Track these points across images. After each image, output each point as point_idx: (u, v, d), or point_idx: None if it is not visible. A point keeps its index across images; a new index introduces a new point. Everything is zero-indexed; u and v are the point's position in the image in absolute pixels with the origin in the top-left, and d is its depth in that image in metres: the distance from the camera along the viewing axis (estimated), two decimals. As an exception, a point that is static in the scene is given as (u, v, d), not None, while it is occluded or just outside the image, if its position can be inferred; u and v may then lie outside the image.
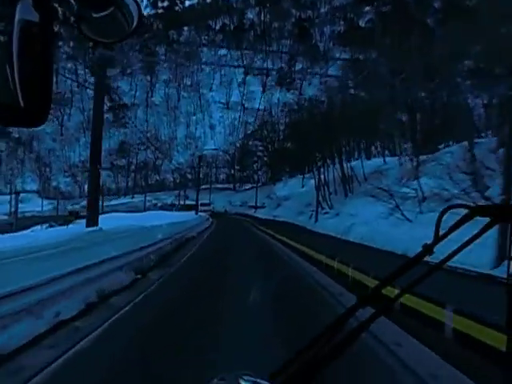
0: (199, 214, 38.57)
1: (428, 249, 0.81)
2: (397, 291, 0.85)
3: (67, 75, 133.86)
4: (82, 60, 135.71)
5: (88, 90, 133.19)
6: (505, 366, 0.82)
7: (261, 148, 75.79)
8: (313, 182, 50.17)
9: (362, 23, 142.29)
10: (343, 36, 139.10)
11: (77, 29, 0.82)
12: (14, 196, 64.55)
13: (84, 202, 75.42)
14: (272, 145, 74.15)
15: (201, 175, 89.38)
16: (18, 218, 52.51)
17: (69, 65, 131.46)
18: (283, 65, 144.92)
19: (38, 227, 36.80)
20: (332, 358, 0.79)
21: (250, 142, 79.88)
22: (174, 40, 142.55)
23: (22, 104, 0.65)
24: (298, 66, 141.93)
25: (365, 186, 34.67)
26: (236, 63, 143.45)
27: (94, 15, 0.87)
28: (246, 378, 0.69)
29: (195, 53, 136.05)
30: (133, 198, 74.65)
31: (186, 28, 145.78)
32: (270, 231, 25.35)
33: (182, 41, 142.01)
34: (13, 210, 67.70)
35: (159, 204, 63.02)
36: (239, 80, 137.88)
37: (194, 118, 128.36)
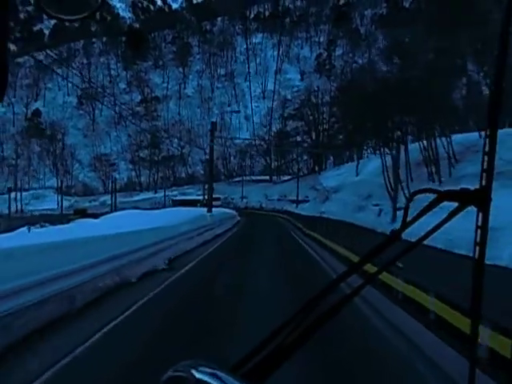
0: (223, 210, 26.86)
1: (395, 235, 0.77)
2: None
3: (100, 69, 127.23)
4: (114, 54, 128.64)
5: (119, 84, 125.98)
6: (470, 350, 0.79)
7: (302, 129, 63.15)
8: (371, 167, 37.29)
9: (406, 4, 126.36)
10: (386, 18, 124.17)
11: (36, 5, 0.76)
12: (18, 193, 55.80)
13: (103, 198, 65.66)
14: (315, 126, 61.51)
15: (235, 167, 79.45)
16: (15, 217, 43.40)
17: (101, 59, 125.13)
18: (322, 51, 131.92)
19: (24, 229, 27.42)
20: (300, 345, 0.74)
21: (288, 128, 67.52)
22: (208, 30, 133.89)
23: None
24: (338, 52, 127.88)
25: (463, 168, 22.07)
26: (271, 51, 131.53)
27: None
28: (201, 368, 0.63)
29: (229, 42, 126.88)
30: (156, 192, 64.04)
31: (219, 19, 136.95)
32: (327, 242, 14.14)
33: (215, 31, 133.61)
34: (22, 207, 59.77)
35: (177, 198, 51.92)
36: (275, 68, 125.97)
37: (229, 108, 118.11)
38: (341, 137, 46.08)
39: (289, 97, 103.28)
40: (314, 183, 47.06)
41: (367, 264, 0.82)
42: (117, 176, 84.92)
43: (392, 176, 22.36)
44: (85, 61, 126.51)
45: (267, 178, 66.69)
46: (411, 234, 0.79)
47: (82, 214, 42.95)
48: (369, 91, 31.09)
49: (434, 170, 25.47)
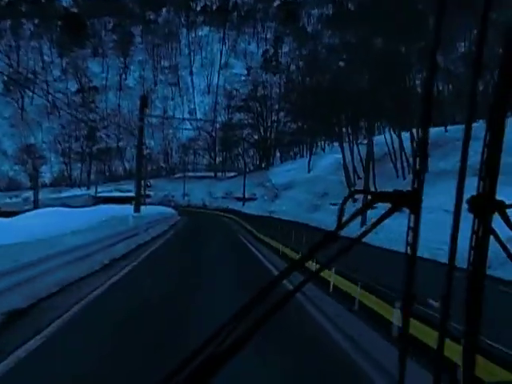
0: (159, 208, 22.04)
1: (332, 235, 0.76)
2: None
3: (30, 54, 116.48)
4: (47, 39, 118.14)
5: (53, 71, 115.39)
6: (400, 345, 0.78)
7: (249, 122, 58.86)
8: (325, 163, 33.81)
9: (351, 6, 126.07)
10: (332, 19, 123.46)
11: None
12: None
13: (27, 194, 57.71)
14: (263, 119, 57.47)
15: (177, 163, 73.72)
16: None
17: (32, 43, 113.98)
18: (268, 47, 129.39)
19: None
20: (236, 350, 0.70)
21: (234, 120, 63.00)
22: (151, 20, 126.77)
23: None
24: (285, 49, 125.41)
25: (442, 163, 19.17)
26: (217, 45, 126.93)
27: None
28: None
29: (174, 33, 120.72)
30: (88, 188, 57.16)
31: (164, 9, 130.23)
32: (287, 250, 11.25)
33: (159, 22, 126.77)
34: None
35: (102, 195, 46.10)
36: (221, 62, 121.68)
37: (172, 102, 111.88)
38: (291, 129, 42.53)
39: (234, 92, 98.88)
40: (262, 180, 43.07)
41: (306, 262, 0.81)
42: (46, 170, 76.26)
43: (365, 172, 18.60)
44: (13, 43, 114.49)
45: (212, 174, 61.76)
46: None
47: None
48: (322, 83, 28.11)
49: (398, 165, 22.12)
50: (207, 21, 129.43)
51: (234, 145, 59.77)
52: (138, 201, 17.16)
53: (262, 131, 59.15)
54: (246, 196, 43.61)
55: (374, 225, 0.75)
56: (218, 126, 60.76)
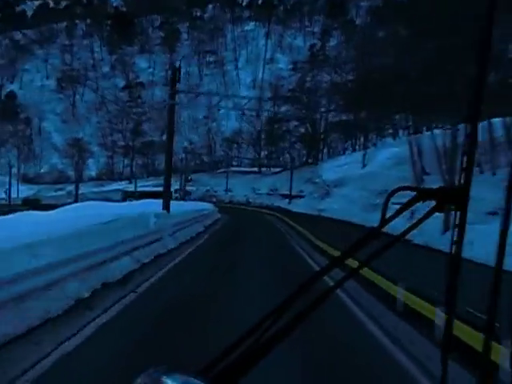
0: (198, 205, 19.08)
1: (374, 232, 0.76)
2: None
3: (82, 52, 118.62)
4: (98, 37, 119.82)
5: (102, 68, 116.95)
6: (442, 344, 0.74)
7: (294, 114, 54.88)
8: (382, 157, 29.66)
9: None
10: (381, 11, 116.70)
11: None
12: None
13: (71, 188, 57.09)
14: (311, 111, 53.41)
15: (220, 157, 71.27)
16: None
17: (84, 42, 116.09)
18: (316, 41, 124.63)
19: None
20: (274, 344, 0.69)
21: (281, 114, 59.53)
22: (198, 17, 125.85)
23: None
24: (333, 43, 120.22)
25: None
26: (263, 40, 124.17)
27: None
28: (171, 375, 0.60)
29: (220, 29, 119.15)
30: (130, 182, 55.67)
31: (210, 6, 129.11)
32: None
33: (205, 18, 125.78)
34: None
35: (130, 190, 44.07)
36: (267, 57, 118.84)
37: (217, 98, 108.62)
38: (342, 122, 38.56)
39: (280, 86, 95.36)
40: (311, 175, 39.39)
41: (348, 259, 0.79)
42: (92, 164, 76.13)
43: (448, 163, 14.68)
44: (67, 42, 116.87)
45: (256, 169, 58.52)
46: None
47: (34, 204, 36.18)
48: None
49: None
50: (253, 16, 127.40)
51: (280, 138, 56.19)
52: (166, 196, 14.17)
53: (309, 124, 55.24)
54: (293, 193, 40.05)
55: (418, 222, 0.73)
56: (263, 119, 57.51)
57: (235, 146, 64.53)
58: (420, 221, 0.73)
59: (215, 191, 50.99)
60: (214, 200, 44.39)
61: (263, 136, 57.99)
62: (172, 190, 22.54)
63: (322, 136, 50.15)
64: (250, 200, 48.06)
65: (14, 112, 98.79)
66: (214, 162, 61.33)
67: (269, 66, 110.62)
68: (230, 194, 50.67)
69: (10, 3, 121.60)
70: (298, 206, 34.85)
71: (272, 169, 56.50)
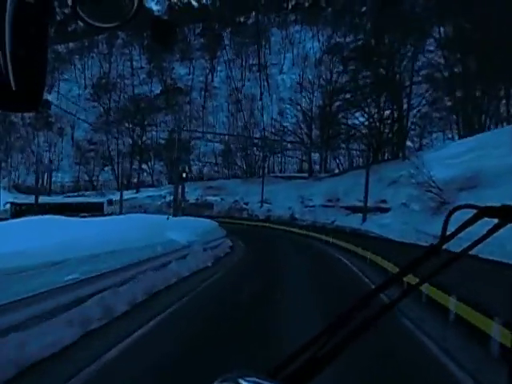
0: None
1: (434, 249, 0.71)
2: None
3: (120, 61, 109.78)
4: (138, 46, 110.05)
5: (140, 76, 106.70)
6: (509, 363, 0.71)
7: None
8: None
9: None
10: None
11: (73, 12, 0.68)
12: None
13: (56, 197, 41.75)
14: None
15: (258, 162, 54.95)
16: None
17: (125, 50, 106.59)
18: (367, 37, 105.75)
19: None
20: (339, 351, 0.67)
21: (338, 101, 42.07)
22: (241, 22, 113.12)
23: (13, 87, 0.52)
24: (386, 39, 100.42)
25: None
26: (310, 42, 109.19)
27: None
28: (247, 378, 0.58)
29: (263, 33, 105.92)
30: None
31: (253, 12, 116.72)
32: None
33: (249, 24, 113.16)
34: None
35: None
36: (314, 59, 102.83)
37: (260, 102, 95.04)
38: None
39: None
40: (401, 175, 21.24)
41: (407, 276, 0.76)
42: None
43: None
44: (106, 52, 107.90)
45: (305, 174, 40.81)
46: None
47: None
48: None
49: None
50: (299, 19, 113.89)
51: (337, 132, 38.54)
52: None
53: (395, 107, 37.24)
54: (369, 204, 22.11)
55: (479, 241, 0.68)
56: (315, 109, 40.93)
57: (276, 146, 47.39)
58: (482, 239, 0.68)
59: (246, 203, 34.30)
60: (246, 215, 27.41)
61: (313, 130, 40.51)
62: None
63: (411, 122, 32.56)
64: (297, 215, 30.90)
65: (47, 122, 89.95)
66: (249, 164, 44.82)
67: (317, 69, 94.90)
68: (266, 206, 33.69)
69: (61, 24, 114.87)
70: (385, 229, 16.97)
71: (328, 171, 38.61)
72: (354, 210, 25.77)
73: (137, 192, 42.88)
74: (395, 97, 40.29)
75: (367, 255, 13.61)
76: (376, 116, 38.83)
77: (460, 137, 36.00)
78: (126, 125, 68.18)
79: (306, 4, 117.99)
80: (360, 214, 23.67)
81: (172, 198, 29.50)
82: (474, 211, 0.68)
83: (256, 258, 14.65)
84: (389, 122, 38.82)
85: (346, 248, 16.96)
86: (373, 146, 33.97)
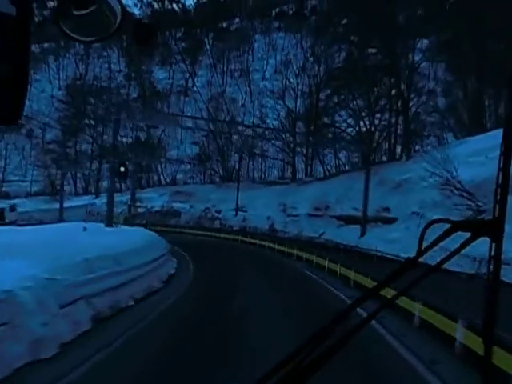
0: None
1: (411, 262, 0.73)
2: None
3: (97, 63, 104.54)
4: (116, 48, 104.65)
5: (118, 79, 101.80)
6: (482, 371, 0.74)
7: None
8: None
9: None
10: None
11: (57, 27, 0.67)
12: None
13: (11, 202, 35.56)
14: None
15: (235, 165, 49.36)
16: None
17: (103, 53, 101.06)
18: (353, 48, 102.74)
19: None
20: (323, 361, 0.68)
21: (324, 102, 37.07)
22: (223, 28, 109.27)
23: None
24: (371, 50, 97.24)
25: None
26: (293, 50, 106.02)
27: (76, 13, 0.70)
28: None
29: (246, 39, 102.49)
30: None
31: (237, 19, 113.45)
32: None
33: (232, 29, 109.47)
34: None
35: None
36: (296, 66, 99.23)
37: (242, 109, 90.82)
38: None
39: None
40: (414, 173, 15.78)
41: (384, 289, 0.76)
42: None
43: None
44: (82, 52, 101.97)
45: (287, 180, 35.47)
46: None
47: None
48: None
49: None
50: (282, 26, 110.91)
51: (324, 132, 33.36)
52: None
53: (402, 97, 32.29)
54: (370, 213, 16.70)
55: (453, 253, 0.70)
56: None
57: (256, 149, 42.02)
58: (455, 252, 0.70)
59: (218, 211, 28.73)
60: (218, 225, 21.82)
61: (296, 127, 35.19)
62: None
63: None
64: (277, 227, 25.31)
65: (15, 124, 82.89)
66: (226, 170, 39.50)
67: (301, 75, 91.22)
68: (242, 214, 28.15)
69: (40, 25, 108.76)
70: (393, 245, 11.74)
71: (314, 176, 33.11)
72: (347, 220, 20.52)
73: (96, 197, 37.16)
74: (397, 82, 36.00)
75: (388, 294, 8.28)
76: (367, 115, 34.18)
77: (457, 139, 31.85)
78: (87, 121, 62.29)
79: (290, 12, 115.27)
80: (356, 226, 18.63)
81: (138, 203, 23.89)
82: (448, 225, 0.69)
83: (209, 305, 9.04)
84: (385, 119, 34.28)
85: (345, 276, 11.54)
86: (367, 144, 29.32)
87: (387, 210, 18.93)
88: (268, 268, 15.33)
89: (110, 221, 17.64)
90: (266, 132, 38.20)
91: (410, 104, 33.81)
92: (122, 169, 16.73)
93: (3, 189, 54.74)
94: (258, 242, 21.74)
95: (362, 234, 18.62)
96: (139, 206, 24.12)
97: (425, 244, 0.72)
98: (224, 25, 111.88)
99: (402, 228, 16.81)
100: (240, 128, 38.26)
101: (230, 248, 20.37)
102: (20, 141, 75.40)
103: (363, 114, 34.16)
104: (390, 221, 18.43)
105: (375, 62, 41.48)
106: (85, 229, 13.28)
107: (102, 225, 16.88)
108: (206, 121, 42.55)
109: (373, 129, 33.21)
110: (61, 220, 25.35)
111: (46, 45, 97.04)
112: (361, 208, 19.04)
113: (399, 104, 34.85)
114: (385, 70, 37.45)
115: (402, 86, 35.42)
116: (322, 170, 36.38)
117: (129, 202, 19.65)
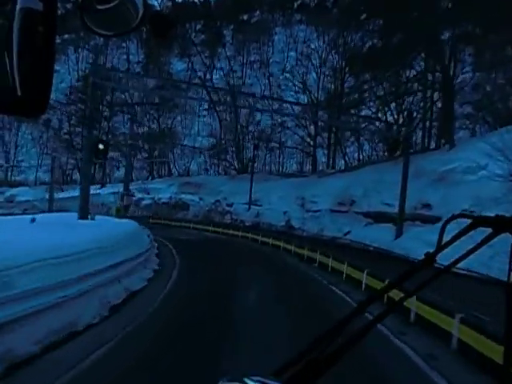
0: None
1: (430, 257, 0.72)
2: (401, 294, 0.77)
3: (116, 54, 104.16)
4: (135, 40, 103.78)
5: (136, 70, 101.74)
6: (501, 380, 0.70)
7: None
8: None
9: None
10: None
11: (80, 20, 0.70)
12: None
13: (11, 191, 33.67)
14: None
15: (250, 156, 46.11)
16: None
17: (123, 44, 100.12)
18: (375, 40, 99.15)
19: None
20: (339, 356, 0.67)
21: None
22: (244, 20, 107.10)
23: (19, 93, 0.54)
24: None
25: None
26: (315, 42, 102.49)
27: (99, 7, 0.73)
28: (253, 378, 0.59)
29: (266, 32, 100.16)
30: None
31: (258, 11, 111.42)
32: None
33: (252, 22, 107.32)
34: None
35: None
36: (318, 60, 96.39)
37: (261, 102, 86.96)
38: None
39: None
40: (458, 164, 12.63)
41: (400, 286, 0.76)
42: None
43: None
44: (101, 43, 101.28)
45: (305, 173, 32.33)
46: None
47: None
48: None
49: None
50: (304, 19, 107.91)
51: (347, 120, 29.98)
52: None
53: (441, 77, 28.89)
54: (405, 210, 13.57)
55: (472, 251, 0.69)
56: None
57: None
58: (474, 249, 0.67)
59: (230, 204, 25.90)
60: (229, 219, 19.06)
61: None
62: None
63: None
64: (295, 223, 22.17)
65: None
66: (241, 161, 36.68)
67: (322, 68, 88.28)
68: (256, 209, 25.25)
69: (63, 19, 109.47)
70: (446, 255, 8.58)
71: (337, 167, 29.57)
72: (377, 217, 17.41)
73: (101, 187, 35.09)
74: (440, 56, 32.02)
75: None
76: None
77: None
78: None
79: (312, 4, 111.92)
80: (388, 225, 15.57)
81: (142, 195, 21.20)
82: (470, 221, 0.67)
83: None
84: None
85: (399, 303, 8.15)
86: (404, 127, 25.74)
87: (428, 206, 15.65)
88: (283, 281, 11.99)
89: (83, 212, 15.19)
90: (286, 119, 35.18)
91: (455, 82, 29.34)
92: (101, 146, 14.32)
93: (16, 177, 53.82)
94: (271, 241, 18.57)
95: (398, 234, 15.45)
96: (132, 195, 21.97)
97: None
98: (245, 17, 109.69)
99: (450, 229, 13.75)
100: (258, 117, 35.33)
101: (237, 252, 17.26)
102: (36, 130, 74.53)
103: (390, 98, 30.85)
104: (432, 220, 15.14)
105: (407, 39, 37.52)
106: (33, 220, 10.87)
107: (76, 215, 14.51)
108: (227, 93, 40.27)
109: (405, 114, 29.97)
110: (51, 210, 23.38)
111: (65, 36, 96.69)
112: (393, 204, 15.91)
113: (436, 86, 30.80)
114: (422, 45, 33.24)
115: (446, 61, 31.16)
116: (343, 162, 33.08)
117: (122, 192, 17.42)
